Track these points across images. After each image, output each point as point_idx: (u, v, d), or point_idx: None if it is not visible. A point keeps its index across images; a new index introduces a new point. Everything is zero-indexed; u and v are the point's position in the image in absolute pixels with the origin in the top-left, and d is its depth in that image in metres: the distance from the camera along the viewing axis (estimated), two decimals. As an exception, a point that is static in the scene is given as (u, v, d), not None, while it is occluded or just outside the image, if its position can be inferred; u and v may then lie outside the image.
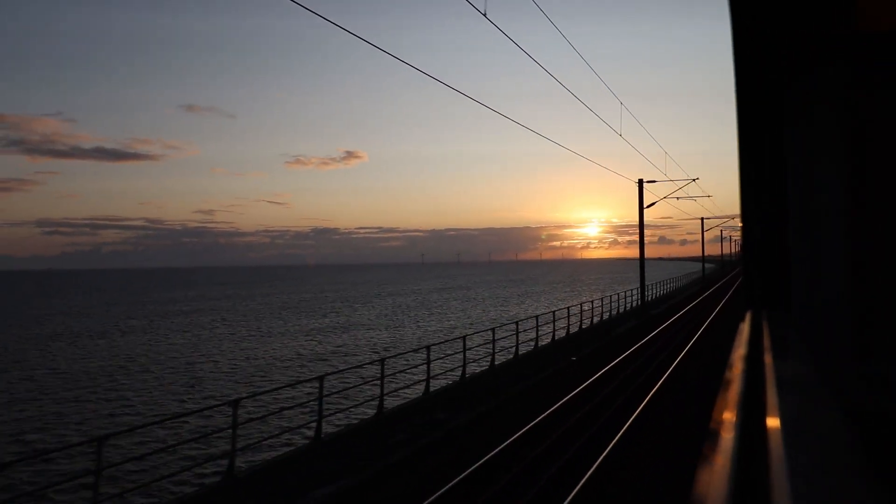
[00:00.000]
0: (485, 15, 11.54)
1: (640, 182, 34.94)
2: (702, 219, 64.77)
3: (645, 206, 35.13)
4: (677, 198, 38.88)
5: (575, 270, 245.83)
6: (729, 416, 1.11)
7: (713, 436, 1.04)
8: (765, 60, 2.35)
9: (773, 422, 1.05)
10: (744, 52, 2.22)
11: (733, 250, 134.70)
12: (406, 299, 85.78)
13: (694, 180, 36.88)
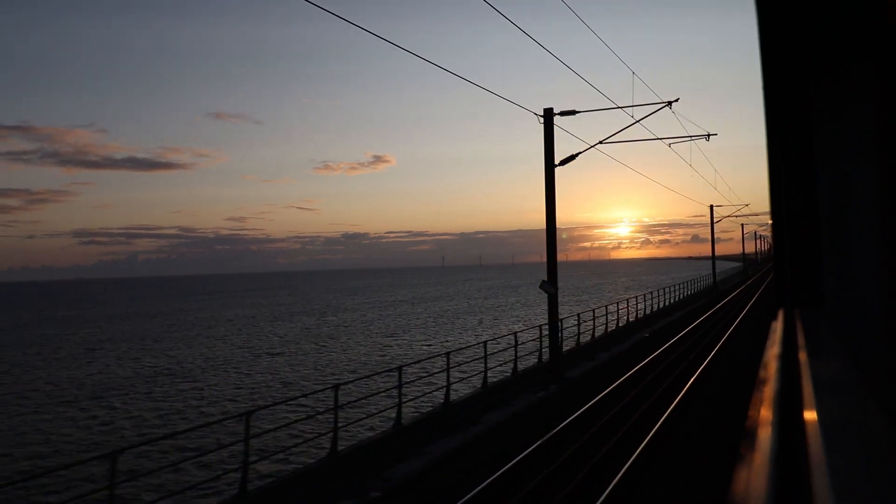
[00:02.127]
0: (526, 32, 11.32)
1: (711, 208, 34.52)
2: (711, 206, 56.36)
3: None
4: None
5: (592, 272, 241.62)
6: (766, 415, 1.11)
7: (750, 434, 1.04)
8: (792, 57, 2.33)
9: (811, 420, 1.04)
10: (770, 49, 2.20)
11: (765, 248, 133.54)
12: (347, 316, 70.24)
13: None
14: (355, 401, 16.38)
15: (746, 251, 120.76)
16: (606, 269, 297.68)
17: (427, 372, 25.08)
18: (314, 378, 30.30)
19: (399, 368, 13.71)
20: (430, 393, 19.30)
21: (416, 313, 71.40)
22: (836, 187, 2.43)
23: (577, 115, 19.92)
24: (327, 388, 12.85)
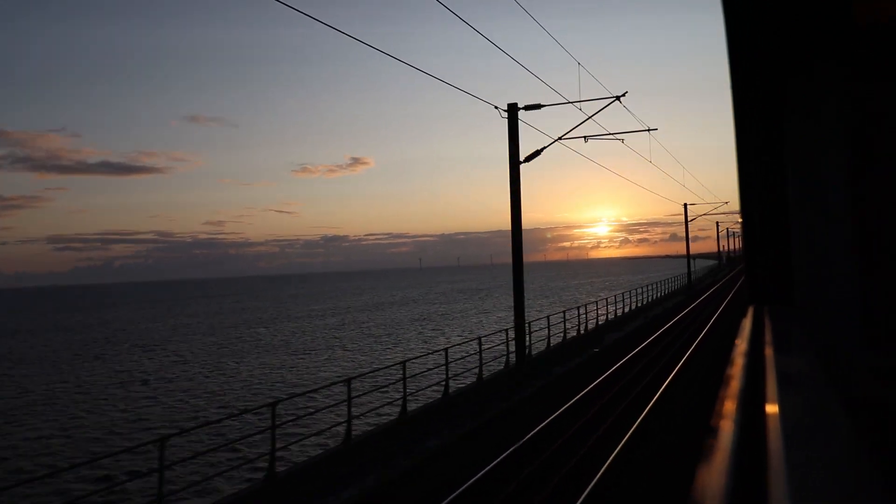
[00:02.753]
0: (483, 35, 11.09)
1: (685, 206, 34.44)
2: (685, 204, 54.07)
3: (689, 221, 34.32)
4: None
5: (567, 273, 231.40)
6: (729, 413, 1.11)
7: (713, 433, 1.04)
8: (761, 56, 2.34)
9: (773, 415, 1.04)
10: (739, 48, 2.20)
11: (737, 246, 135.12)
12: (278, 328, 62.11)
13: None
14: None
15: (724, 249, 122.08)
16: (582, 269, 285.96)
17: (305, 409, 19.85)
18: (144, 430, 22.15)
19: (273, 405, 10.49)
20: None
21: (356, 323, 62.08)
22: (806, 185, 2.45)
23: (541, 109, 19.54)
24: (264, 407, 11.75)
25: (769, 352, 1.54)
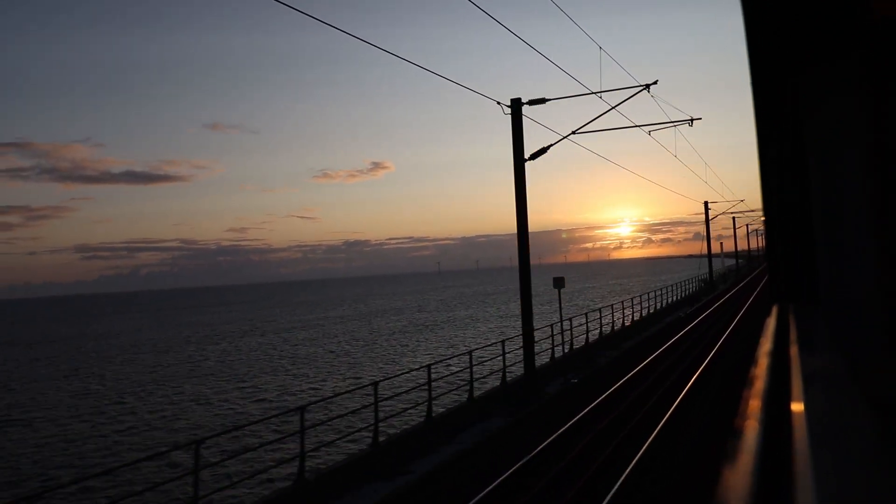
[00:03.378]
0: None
1: (706, 204, 33.61)
2: (705, 202, 54.14)
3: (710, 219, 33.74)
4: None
5: (583, 274, 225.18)
6: (754, 411, 1.10)
7: (738, 433, 1.03)
8: (779, 52, 2.32)
9: (798, 417, 1.03)
10: (757, 44, 2.19)
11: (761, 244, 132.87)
12: (266, 340, 57.68)
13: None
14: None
15: (747, 248, 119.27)
16: (600, 271, 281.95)
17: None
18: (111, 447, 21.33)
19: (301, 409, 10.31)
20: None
21: (339, 334, 57.76)
22: (828, 183, 2.42)
23: (546, 103, 18.47)
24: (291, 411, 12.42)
25: (794, 351, 1.52)
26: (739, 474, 0.84)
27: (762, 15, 2.14)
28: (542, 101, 18.52)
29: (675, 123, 20.94)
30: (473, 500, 9.61)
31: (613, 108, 17.78)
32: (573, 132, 18.75)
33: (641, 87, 17.75)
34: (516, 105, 18.25)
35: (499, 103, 17.92)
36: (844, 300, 2.26)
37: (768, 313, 2.41)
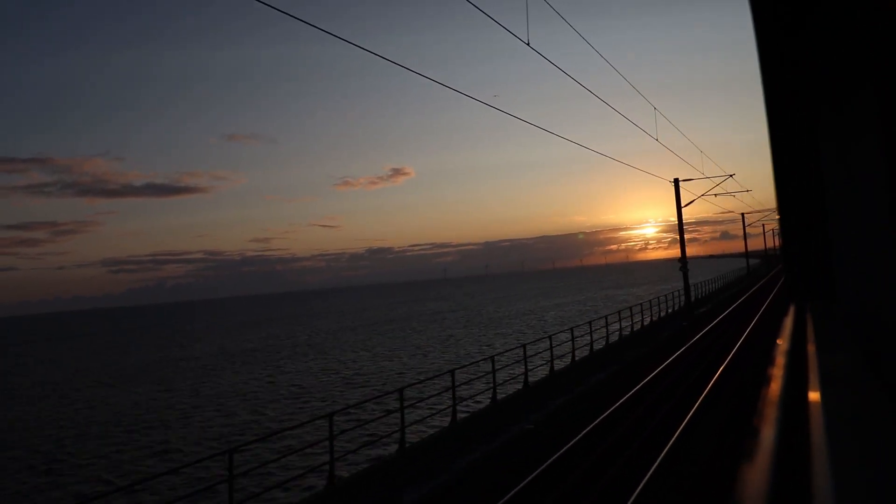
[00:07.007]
0: (528, 44, 11.62)
1: (676, 181, 34.53)
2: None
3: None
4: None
5: (587, 280, 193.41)
6: (771, 409, 1.09)
7: (755, 433, 1.03)
8: (792, 53, 2.31)
9: (816, 414, 1.03)
10: (767, 41, 2.18)
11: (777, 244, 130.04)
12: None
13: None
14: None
15: (764, 246, 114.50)
16: (605, 276, 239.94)
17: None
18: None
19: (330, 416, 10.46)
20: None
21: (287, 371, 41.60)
22: (844, 179, 2.40)
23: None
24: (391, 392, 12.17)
25: (811, 349, 1.51)
26: (758, 472, 0.84)
27: (772, 12, 2.13)
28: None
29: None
30: None
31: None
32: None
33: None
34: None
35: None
36: (862, 296, 2.24)
37: (785, 312, 2.39)
